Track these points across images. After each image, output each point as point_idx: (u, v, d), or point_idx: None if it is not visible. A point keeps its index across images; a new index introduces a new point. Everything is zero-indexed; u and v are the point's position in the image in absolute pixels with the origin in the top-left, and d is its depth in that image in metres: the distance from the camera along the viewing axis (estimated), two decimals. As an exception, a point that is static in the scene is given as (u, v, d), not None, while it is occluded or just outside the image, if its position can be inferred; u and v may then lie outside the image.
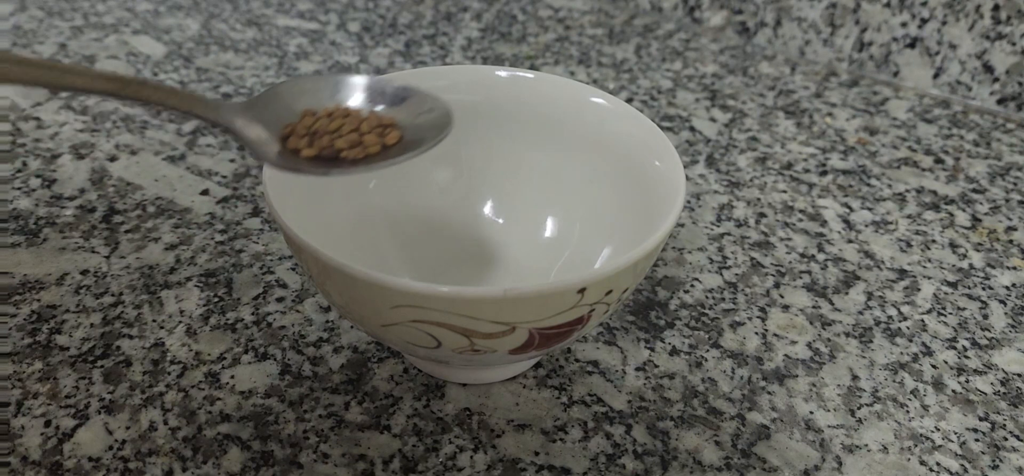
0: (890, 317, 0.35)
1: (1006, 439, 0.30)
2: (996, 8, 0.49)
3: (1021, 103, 0.51)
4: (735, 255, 0.38)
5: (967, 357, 0.33)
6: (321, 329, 0.33)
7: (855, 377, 0.32)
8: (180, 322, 0.33)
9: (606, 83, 0.53)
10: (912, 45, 0.53)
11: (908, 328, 0.34)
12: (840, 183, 0.44)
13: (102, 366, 0.31)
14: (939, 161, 0.46)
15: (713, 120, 0.49)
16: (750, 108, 0.51)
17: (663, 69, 0.55)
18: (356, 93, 0.28)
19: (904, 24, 0.53)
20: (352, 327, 0.33)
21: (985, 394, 0.32)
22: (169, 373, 0.31)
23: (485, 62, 0.55)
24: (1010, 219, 0.42)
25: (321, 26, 0.59)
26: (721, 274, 0.37)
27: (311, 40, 0.57)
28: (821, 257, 0.38)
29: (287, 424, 0.29)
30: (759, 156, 0.46)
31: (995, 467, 0.29)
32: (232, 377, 0.31)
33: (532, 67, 0.55)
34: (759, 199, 0.42)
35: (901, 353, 0.33)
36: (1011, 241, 0.40)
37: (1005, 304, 0.36)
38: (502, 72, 0.34)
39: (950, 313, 0.35)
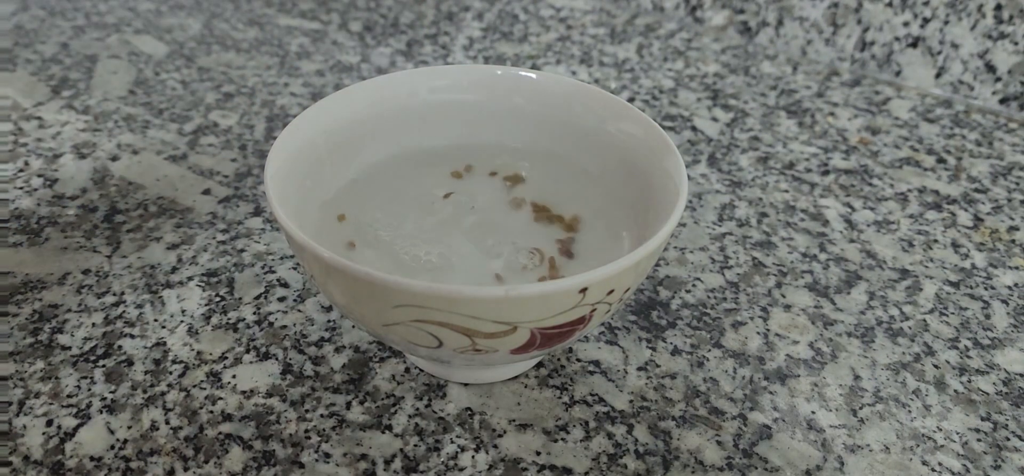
0: (892, 317, 0.35)
1: (1008, 439, 0.30)
2: (998, 8, 0.49)
3: (1023, 103, 0.51)
4: (737, 255, 0.38)
5: (969, 357, 0.33)
6: (322, 329, 0.33)
7: (857, 377, 0.32)
8: (182, 322, 0.33)
9: (608, 83, 0.53)
10: (914, 45, 0.53)
11: (910, 328, 0.34)
12: (842, 183, 0.44)
13: (104, 365, 0.31)
14: (941, 161, 0.46)
15: (715, 120, 0.49)
16: (752, 108, 0.51)
17: (665, 69, 0.55)
18: None
19: (906, 24, 0.53)
20: (353, 327, 0.33)
21: (987, 394, 0.31)
22: (171, 373, 0.31)
23: (487, 62, 0.55)
24: (1012, 219, 0.41)
25: (323, 26, 0.59)
26: (723, 274, 0.37)
27: (313, 39, 0.57)
28: (823, 257, 0.38)
29: (289, 424, 0.29)
30: (761, 156, 0.46)
31: (997, 467, 0.29)
32: (234, 377, 0.31)
33: (534, 67, 0.55)
34: (761, 199, 0.42)
35: (903, 353, 0.33)
36: (1013, 241, 0.40)
37: (1007, 304, 0.36)
38: (504, 71, 0.34)
39: (952, 313, 0.35)
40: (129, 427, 0.28)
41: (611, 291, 0.25)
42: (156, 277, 0.35)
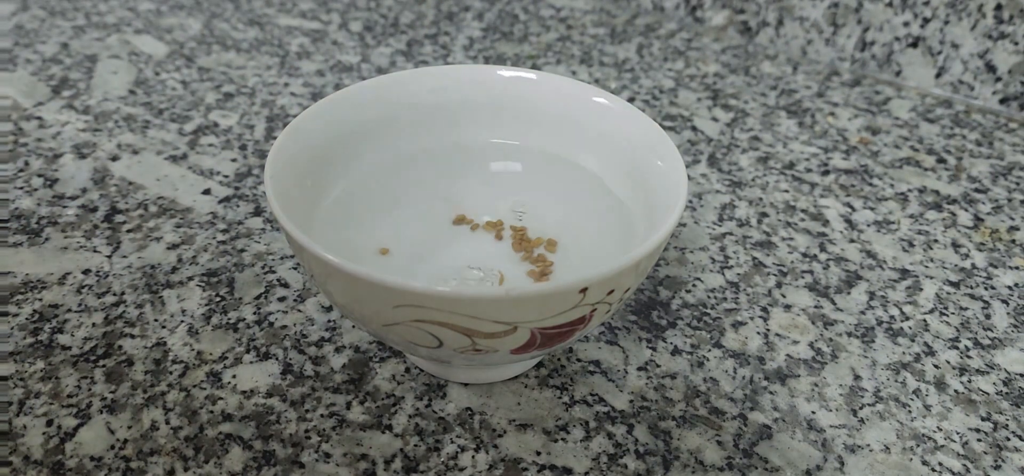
0: (892, 317, 0.35)
1: (1008, 439, 0.30)
2: (999, 7, 0.49)
3: (1023, 103, 0.51)
4: (737, 255, 0.38)
5: (969, 357, 0.33)
6: (323, 329, 0.33)
7: (857, 377, 0.32)
8: (182, 321, 0.33)
9: (608, 83, 0.53)
10: (914, 45, 0.53)
11: (910, 328, 0.34)
12: (842, 183, 0.44)
13: (104, 365, 0.31)
14: (941, 161, 0.46)
15: (715, 120, 0.49)
16: (752, 108, 0.51)
17: (665, 69, 0.55)
18: None
19: (906, 23, 0.53)
20: (354, 327, 0.33)
21: (987, 394, 0.31)
22: (171, 372, 0.31)
23: (487, 62, 0.55)
24: (1012, 219, 0.41)
25: (323, 26, 0.59)
26: (723, 274, 0.37)
27: (313, 40, 0.57)
28: (823, 257, 0.38)
29: (289, 424, 0.29)
30: (761, 156, 0.46)
31: (997, 467, 0.29)
32: (234, 377, 0.31)
33: (534, 66, 0.55)
34: (761, 199, 0.42)
35: (903, 353, 0.33)
36: (1013, 241, 0.40)
37: (1007, 304, 0.36)
38: (504, 71, 0.34)
39: (952, 313, 0.35)
40: (129, 427, 0.28)
41: (611, 291, 0.25)
42: (156, 277, 0.35)
